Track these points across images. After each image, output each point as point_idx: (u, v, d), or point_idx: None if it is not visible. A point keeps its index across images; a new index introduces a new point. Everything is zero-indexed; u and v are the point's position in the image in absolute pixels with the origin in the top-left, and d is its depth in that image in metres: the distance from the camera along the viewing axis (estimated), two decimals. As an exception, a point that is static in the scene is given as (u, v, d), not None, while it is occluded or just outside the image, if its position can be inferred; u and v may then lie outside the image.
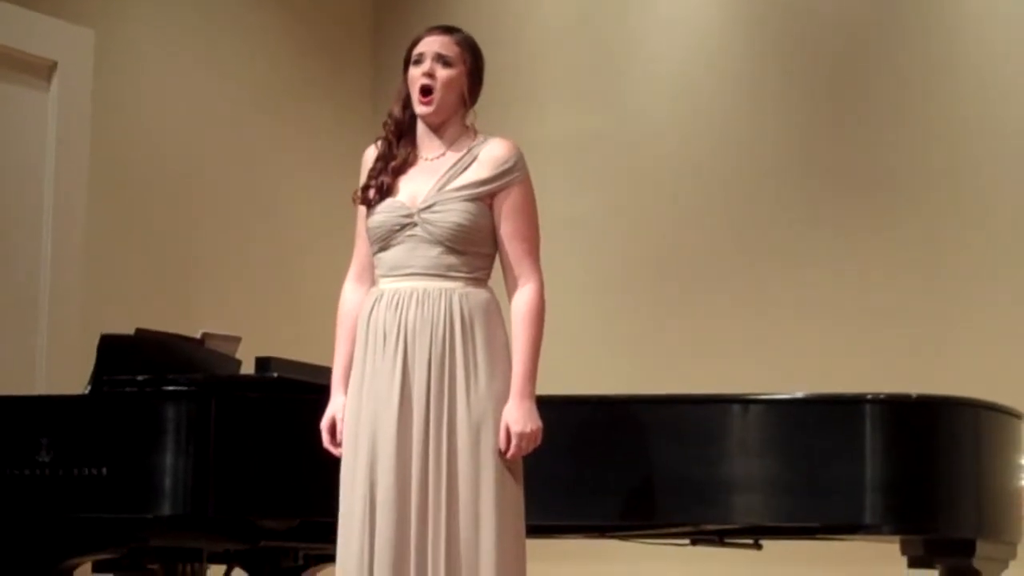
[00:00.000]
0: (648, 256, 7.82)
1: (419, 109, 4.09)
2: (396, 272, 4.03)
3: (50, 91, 6.96)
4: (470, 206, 4.01)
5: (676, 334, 7.65)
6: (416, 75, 4.09)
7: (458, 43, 4.12)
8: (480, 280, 4.05)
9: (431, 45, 4.10)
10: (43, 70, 6.95)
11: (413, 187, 4.06)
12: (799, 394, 4.89)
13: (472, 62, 4.13)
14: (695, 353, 7.52)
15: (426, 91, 4.07)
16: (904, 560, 5.01)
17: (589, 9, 8.15)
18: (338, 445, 4.06)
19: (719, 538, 5.13)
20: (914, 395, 4.84)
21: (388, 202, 4.05)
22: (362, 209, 4.12)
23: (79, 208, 7.02)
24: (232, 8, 7.96)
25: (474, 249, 4.03)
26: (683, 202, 7.77)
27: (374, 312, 4.02)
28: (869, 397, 4.77)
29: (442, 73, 4.08)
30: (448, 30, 4.15)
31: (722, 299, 7.58)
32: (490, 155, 4.06)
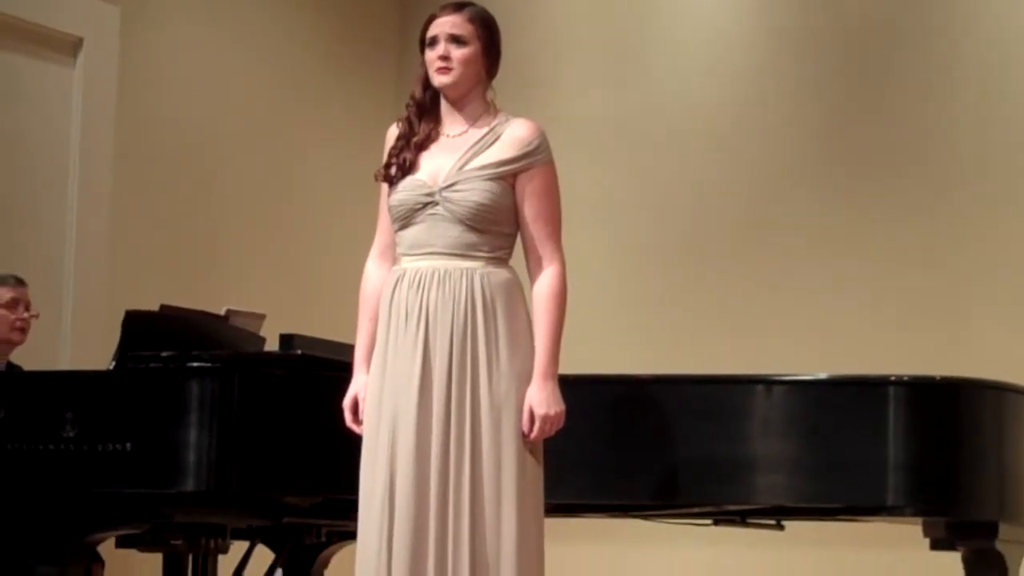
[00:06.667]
0: (673, 236, 7.81)
1: (437, 80, 4.06)
2: (417, 251, 4.02)
3: (76, 67, 6.98)
4: (492, 185, 4.00)
5: (700, 314, 7.65)
6: (432, 58, 4.06)
7: (470, 19, 4.08)
8: (501, 260, 4.04)
9: (443, 26, 4.06)
10: (69, 46, 6.97)
11: (435, 164, 4.05)
12: (822, 375, 4.89)
13: (487, 36, 4.09)
14: (719, 333, 7.52)
15: (444, 69, 4.06)
16: (926, 542, 5.01)
17: (614, -12, 8.13)
18: (360, 424, 4.07)
19: (741, 518, 5.14)
20: (938, 377, 4.84)
21: (409, 180, 4.04)
22: (385, 187, 4.12)
23: (104, 184, 7.04)
24: (258, -15, 7.96)
25: (495, 228, 4.01)
26: (708, 183, 7.76)
27: (396, 291, 4.02)
28: (893, 379, 4.77)
29: (457, 53, 4.05)
30: (459, 7, 4.10)
31: (747, 280, 7.57)
32: (514, 135, 4.04)
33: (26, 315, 5.85)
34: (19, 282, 5.88)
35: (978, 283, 7.10)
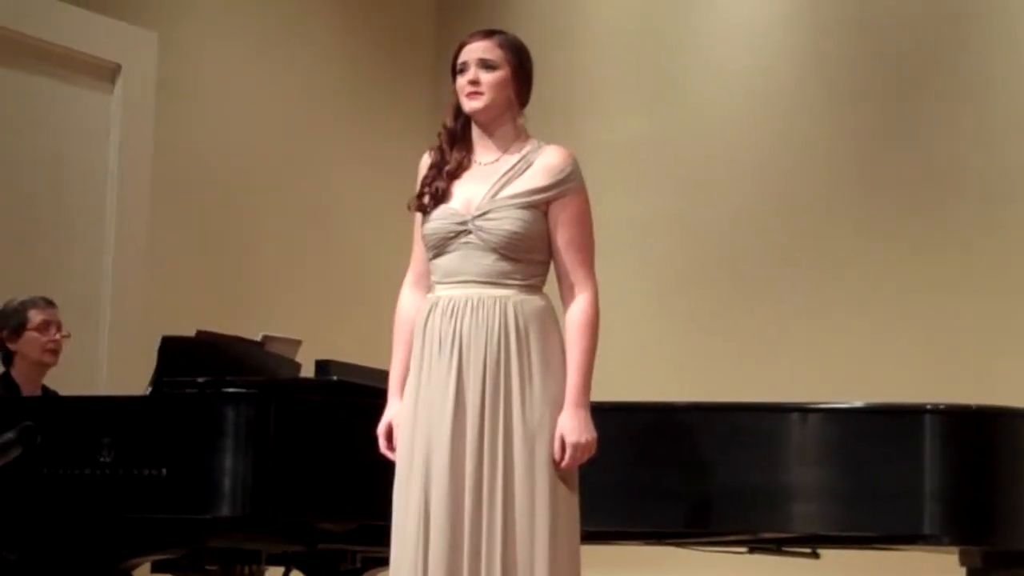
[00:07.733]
0: (707, 262, 7.80)
1: (467, 105, 4.07)
2: (451, 279, 4.02)
3: (114, 94, 7.02)
4: (524, 213, 4.00)
5: (734, 340, 7.63)
6: (462, 83, 4.07)
7: (500, 45, 4.08)
8: (535, 287, 4.04)
9: (473, 52, 4.07)
10: (107, 73, 7.01)
11: (467, 193, 4.05)
12: (858, 403, 4.88)
13: (516, 61, 4.09)
14: (754, 361, 7.50)
15: (474, 94, 4.07)
16: (963, 571, 4.98)
17: (649, 14, 8.14)
18: (394, 451, 4.07)
19: (776, 546, 5.12)
20: (974, 406, 4.82)
21: (442, 208, 4.05)
22: (419, 215, 4.12)
23: (142, 210, 7.07)
24: (294, 11, 7.99)
25: (528, 256, 4.01)
26: (742, 208, 7.75)
27: (430, 319, 4.02)
28: (929, 407, 4.75)
29: (487, 77, 4.05)
30: (489, 34, 4.11)
31: (782, 306, 7.56)
32: (546, 163, 4.04)
33: (58, 336, 5.85)
34: (49, 303, 5.87)
35: (1015, 311, 7.07)
